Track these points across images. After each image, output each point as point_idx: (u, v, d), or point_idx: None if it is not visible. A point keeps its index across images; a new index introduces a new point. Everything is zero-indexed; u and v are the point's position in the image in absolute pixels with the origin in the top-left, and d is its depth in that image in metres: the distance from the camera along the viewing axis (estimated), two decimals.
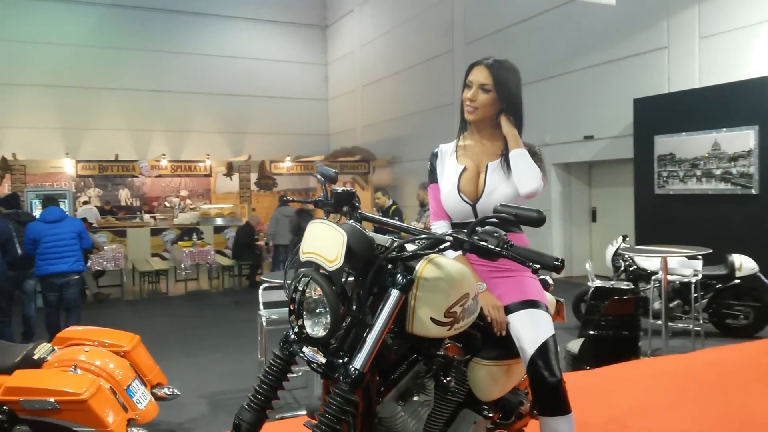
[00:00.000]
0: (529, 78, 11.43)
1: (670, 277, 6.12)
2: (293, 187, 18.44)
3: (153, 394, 4.26)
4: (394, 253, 1.54)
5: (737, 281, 6.51)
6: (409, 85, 15.79)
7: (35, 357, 3.87)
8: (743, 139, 7.60)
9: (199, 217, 14.10)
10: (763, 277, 6.49)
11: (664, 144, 8.57)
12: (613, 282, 6.14)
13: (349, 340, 1.47)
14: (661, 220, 8.62)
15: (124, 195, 17.78)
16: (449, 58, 13.90)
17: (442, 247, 1.55)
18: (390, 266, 1.54)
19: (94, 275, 10.15)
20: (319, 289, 1.44)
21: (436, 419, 1.80)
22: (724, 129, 7.80)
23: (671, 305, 6.54)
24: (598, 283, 5.86)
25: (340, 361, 1.46)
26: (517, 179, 2.11)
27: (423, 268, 1.56)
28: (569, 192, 11.46)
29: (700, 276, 6.03)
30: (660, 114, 8.64)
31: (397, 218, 8.25)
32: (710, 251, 5.64)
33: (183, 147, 18.00)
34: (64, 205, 13.09)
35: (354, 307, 1.49)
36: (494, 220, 1.53)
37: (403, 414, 1.60)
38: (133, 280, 11.23)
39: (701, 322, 6.24)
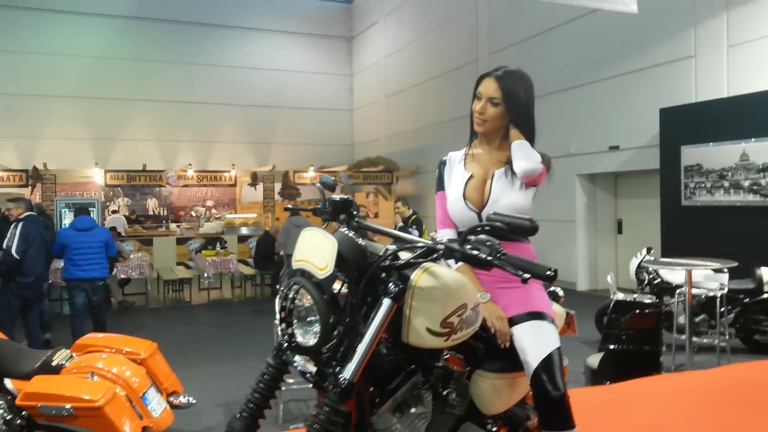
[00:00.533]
0: (553, 87, 11.44)
1: (695, 291, 5.98)
2: (317, 197, 18.53)
3: (169, 402, 4.28)
4: (387, 261, 1.53)
5: (766, 295, 6.32)
6: (433, 96, 15.79)
7: (53, 363, 3.92)
8: None
9: (224, 227, 14.26)
10: None
11: (691, 154, 8.40)
12: (635, 295, 6.01)
13: (341, 349, 1.46)
14: (687, 232, 8.43)
15: (151, 204, 18.08)
16: (474, 68, 13.87)
17: (435, 256, 1.53)
18: (384, 275, 1.52)
19: (120, 283, 10.31)
20: (309, 296, 1.43)
21: None
22: (753, 139, 7.62)
23: (696, 320, 6.38)
24: (620, 296, 5.74)
25: (331, 370, 1.44)
26: (515, 158, 2.10)
27: (418, 278, 1.54)
28: (594, 203, 11.30)
29: (726, 290, 5.88)
30: (687, 124, 8.49)
31: (416, 227, 8.22)
32: (736, 264, 5.49)
33: (209, 157, 18.26)
34: (93, 214, 13.36)
35: (347, 316, 1.48)
36: (487, 228, 1.51)
37: (399, 426, 1.57)
38: (157, 289, 11.38)
39: (727, 337, 6.07)
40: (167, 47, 17.89)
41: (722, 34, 8.56)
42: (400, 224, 8.70)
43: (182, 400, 4.35)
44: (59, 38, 16.69)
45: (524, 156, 2.09)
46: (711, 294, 6.00)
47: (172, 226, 15.82)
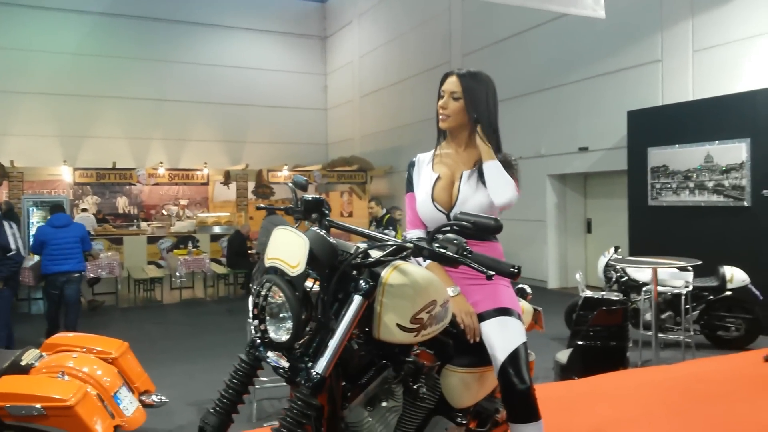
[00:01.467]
0: (524, 89, 11.61)
1: (661, 289, 6.14)
2: (289, 196, 18.45)
3: (141, 401, 4.26)
4: (357, 259, 1.57)
5: (728, 293, 6.53)
6: (407, 96, 15.87)
7: (23, 363, 3.87)
8: (735, 151, 7.64)
9: (196, 226, 14.13)
10: (753, 289, 6.51)
11: (657, 156, 8.61)
12: (603, 293, 6.15)
13: (314, 345, 1.49)
14: (654, 231, 8.64)
15: (122, 203, 17.82)
16: (447, 69, 13.75)
17: (404, 254, 1.58)
18: (355, 273, 1.56)
19: (89, 282, 10.15)
20: (281, 294, 1.47)
21: (406, 425, 1.82)
22: (717, 141, 7.85)
23: (663, 317, 6.55)
24: (588, 293, 5.87)
25: (303, 365, 1.48)
26: (492, 191, 2.13)
27: (388, 275, 1.59)
28: (564, 203, 11.49)
29: (690, 287, 6.05)
30: (653, 126, 8.70)
31: (391, 228, 8.27)
32: (700, 262, 5.67)
33: (181, 155, 18.07)
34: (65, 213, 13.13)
35: (319, 313, 1.51)
36: (454, 227, 1.56)
37: (371, 419, 1.61)
38: (128, 288, 11.24)
39: (692, 333, 6.25)
40: (139, 44, 17.65)
41: (688, 39, 8.80)
42: (374, 224, 8.74)
43: (154, 399, 4.33)
44: (28, 34, 16.35)
45: (501, 186, 2.12)
46: (676, 291, 6.17)
47: (143, 224, 15.61)
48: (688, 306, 6.12)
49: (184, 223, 14.85)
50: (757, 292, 6.49)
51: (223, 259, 12.13)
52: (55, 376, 3.76)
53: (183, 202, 17.80)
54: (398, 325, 1.59)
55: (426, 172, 2.27)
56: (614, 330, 4.84)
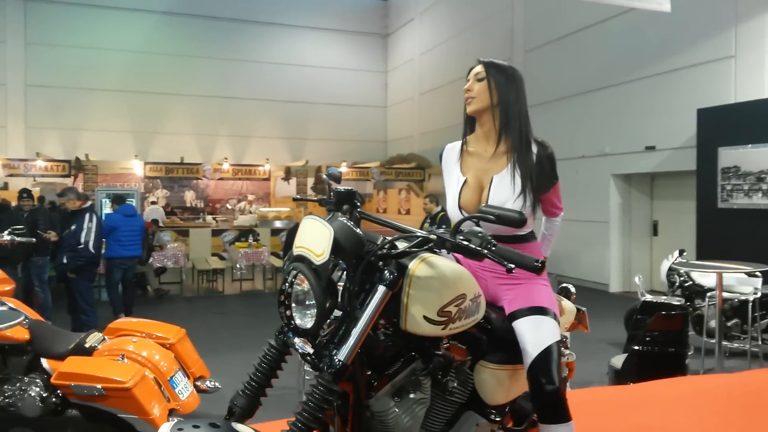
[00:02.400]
0: (588, 86, 11.30)
1: (726, 295, 5.86)
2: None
3: (195, 386, 4.41)
4: (383, 250, 1.58)
5: None
6: None
7: (87, 345, 4.08)
8: None
9: (258, 220, 14.50)
10: None
11: (728, 156, 8.21)
12: (664, 297, 5.92)
13: (339, 333, 1.52)
14: (723, 235, 8.25)
15: (189, 196, 18.50)
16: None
17: (428, 246, 1.58)
18: (381, 264, 1.58)
19: (156, 272, 10.60)
20: (306, 281, 1.50)
21: (436, 418, 1.82)
22: None
23: (729, 324, 6.25)
24: (648, 297, 5.67)
25: (327, 352, 1.51)
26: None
27: (416, 267, 1.60)
28: (629, 204, 11.11)
29: (759, 294, 5.75)
30: (724, 125, 8.29)
31: (445, 225, 8.21)
32: None
33: (245, 151, 18.59)
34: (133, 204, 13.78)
35: (345, 302, 1.54)
36: (476, 219, 1.55)
37: (397, 410, 1.62)
38: (192, 278, 11.66)
39: (760, 342, 5.93)
40: (205, 43, 18.27)
41: (763, 34, 8.33)
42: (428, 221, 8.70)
43: (209, 384, 4.48)
44: (101, 33, 17.21)
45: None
46: (743, 298, 5.88)
47: (208, 218, 16.16)
48: (756, 314, 5.81)
49: (246, 217, 15.28)
50: None
51: (282, 253, 12.40)
52: (116, 358, 3.95)
53: (250, 197, 18.29)
54: (425, 317, 1.60)
55: (455, 173, 2.22)
56: (673, 336, 4.66)
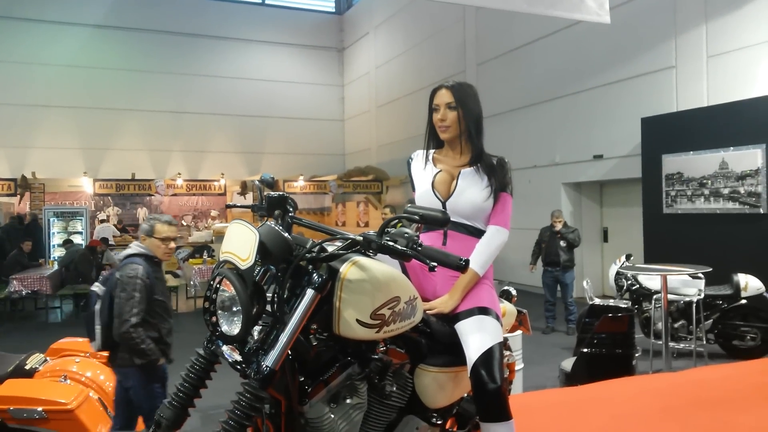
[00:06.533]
0: (538, 97, 11.57)
1: (672, 297, 6.04)
2: (308, 206, 18.61)
3: None
4: (312, 254, 1.58)
5: (743, 301, 6.39)
6: (423, 106, 15.49)
7: (27, 367, 3.94)
8: (751, 157, 7.52)
9: (213, 236, 14.27)
10: None
11: (671, 163, 8.50)
12: (612, 301, 6.07)
13: (270, 339, 1.50)
14: (669, 239, 8.51)
15: (142, 213, 18.06)
16: (462, 78, 13.98)
17: (356, 248, 1.59)
18: (311, 268, 1.57)
19: None
20: (231, 287, 1.48)
21: (375, 423, 1.81)
22: (732, 148, 7.73)
23: (676, 325, 6.45)
24: (597, 301, 5.80)
25: (255, 358, 1.49)
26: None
27: (347, 270, 1.60)
28: (580, 211, 11.38)
29: (702, 295, 5.94)
30: (668, 133, 8.59)
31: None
32: (710, 270, 5.57)
33: (200, 166, 18.32)
34: (81, 224, 13.40)
35: (275, 307, 1.52)
36: (403, 221, 1.57)
37: (333, 416, 1.61)
38: None
39: (704, 342, 6.13)
40: (159, 57, 17.98)
41: (702, 45, 8.69)
42: None
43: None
44: (50, 48, 16.75)
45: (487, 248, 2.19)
46: (688, 300, 6.07)
47: None
48: (700, 315, 6.01)
49: (201, 233, 15.02)
50: None
51: None
52: (58, 380, 3.82)
53: (213, 213, 17.95)
54: (358, 321, 1.60)
55: (428, 168, 2.32)
56: (619, 337, 4.77)
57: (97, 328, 3.46)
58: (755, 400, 3.61)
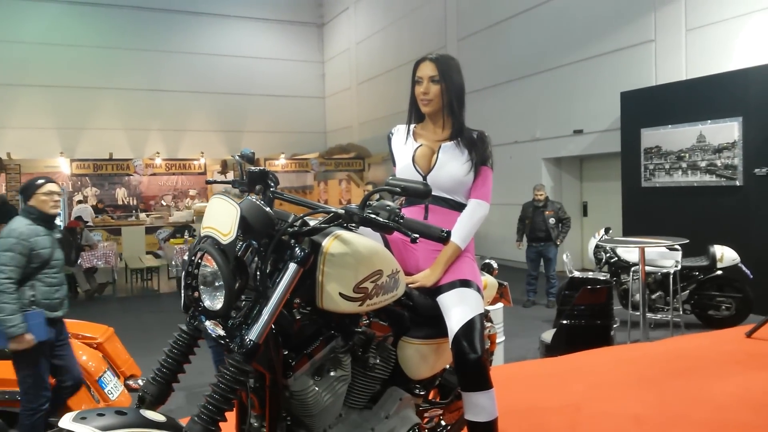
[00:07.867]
0: (519, 73, 11.56)
1: (650, 269, 6.15)
2: (289, 185, 18.50)
3: (126, 385, 4.31)
4: (294, 228, 1.58)
5: (719, 272, 6.52)
6: (403, 82, 15.65)
7: (7, 349, 3.89)
8: (727, 130, 7.60)
9: (194, 215, 14.17)
10: (744, 268, 6.50)
11: (650, 137, 8.57)
12: (591, 273, 6.16)
13: (253, 314, 1.50)
14: (647, 212, 8.63)
15: (120, 194, 17.83)
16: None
17: (338, 221, 1.59)
18: (293, 242, 1.57)
19: (86, 273, 10.21)
20: (213, 261, 1.47)
21: (359, 394, 1.84)
22: (709, 121, 7.80)
23: (653, 297, 6.57)
24: (576, 274, 5.89)
25: (239, 333, 1.49)
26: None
27: (329, 244, 1.60)
28: (560, 186, 11.47)
29: (679, 267, 6.05)
30: (646, 107, 8.65)
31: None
32: (686, 241, 5.66)
33: (179, 145, 18.08)
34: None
35: (257, 282, 1.52)
36: (384, 193, 1.57)
37: (317, 388, 1.63)
38: (126, 278, 11.31)
39: (681, 312, 6.26)
40: (136, 34, 17.60)
41: (681, 18, 8.72)
42: None
43: (140, 383, 4.37)
44: (25, 26, 16.31)
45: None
46: (665, 271, 6.17)
47: (142, 215, 15.67)
48: (677, 286, 6.12)
49: (182, 213, 14.90)
50: (748, 271, 6.48)
51: None
52: None
53: (192, 192, 17.77)
54: (341, 294, 1.61)
55: (408, 142, 2.31)
56: (598, 309, 4.86)
57: None
58: (729, 368, 3.71)
